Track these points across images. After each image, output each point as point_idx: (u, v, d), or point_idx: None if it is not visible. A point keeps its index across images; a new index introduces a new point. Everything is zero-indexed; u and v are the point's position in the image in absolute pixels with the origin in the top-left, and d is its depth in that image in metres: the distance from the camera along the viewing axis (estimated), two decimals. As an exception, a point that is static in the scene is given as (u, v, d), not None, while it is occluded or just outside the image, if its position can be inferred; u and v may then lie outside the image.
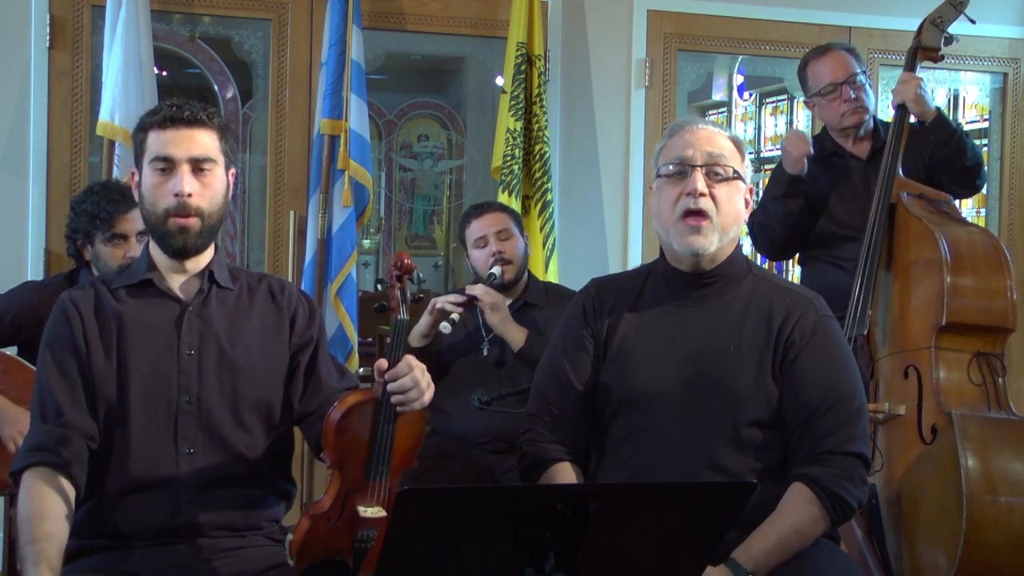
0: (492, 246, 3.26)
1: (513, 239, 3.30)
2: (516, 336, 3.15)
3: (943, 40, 3.28)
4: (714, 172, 2.13)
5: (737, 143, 2.19)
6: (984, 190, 5.17)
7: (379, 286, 2.18)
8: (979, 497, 2.66)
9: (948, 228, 2.97)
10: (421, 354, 3.16)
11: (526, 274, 3.38)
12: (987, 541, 2.66)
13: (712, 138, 2.16)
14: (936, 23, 3.27)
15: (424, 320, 3.18)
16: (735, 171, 2.15)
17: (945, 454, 2.75)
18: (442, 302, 3.14)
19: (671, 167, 2.16)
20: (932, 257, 2.92)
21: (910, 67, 3.30)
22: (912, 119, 3.29)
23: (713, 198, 2.12)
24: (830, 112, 3.39)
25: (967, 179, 3.31)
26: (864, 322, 3.02)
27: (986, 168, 3.39)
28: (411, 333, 3.20)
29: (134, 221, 3.01)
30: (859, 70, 3.35)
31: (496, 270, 3.23)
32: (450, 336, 3.22)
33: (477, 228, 3.31)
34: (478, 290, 3.16)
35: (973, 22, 3.33)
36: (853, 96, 3.33)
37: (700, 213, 2.11)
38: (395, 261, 2.12)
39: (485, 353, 3.25)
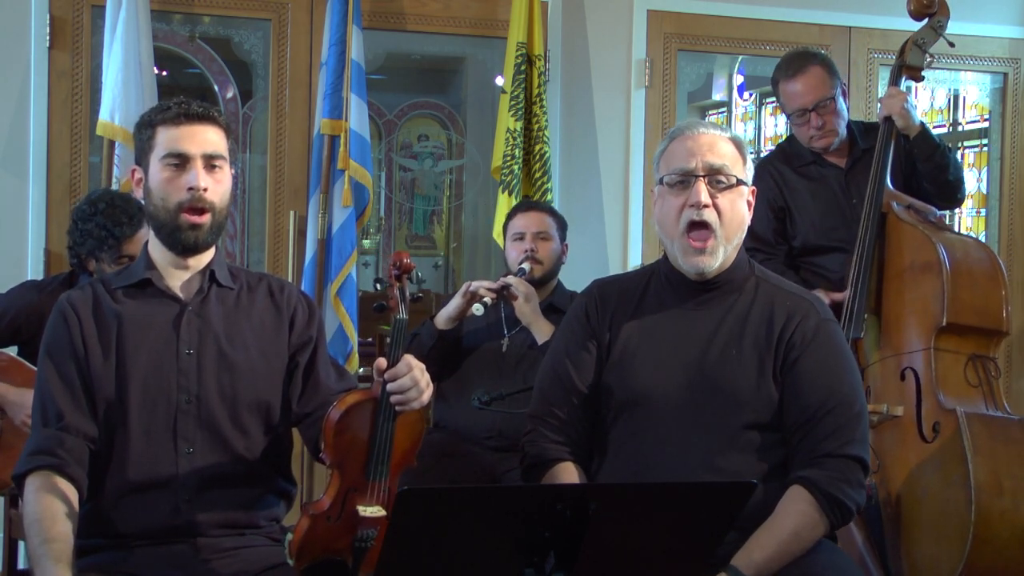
0: (527, 243, 3.34)
1: (550, 242, 3.37)
2: (544, 328, 3.20)
3: (925, 60, 3.34)
4: (716, 181, 2.13)
5: (739, 145, 2.19)
6: (984, 190, 5.20)
7: (378, 285, 2.17)
8: (987, 491, 2.70)
9: (943, 234, 3.04)
10: (446, 339, 3.22)
11: (556, 280, 3.43)
12: (995, 535, 2.69)
13: (713, 145, 2.15)
14: (919, 44, 3.33)
15: (455, 302, 3.23)
16: (737, 179, 2.15)
17: (949, 450, 2.78)
18: (476, 285, 3.21)
19: (674, 177, 2.15)
20: (929, 260, 2.96)
21: (894, 82, 3.34)
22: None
23: (716, 207, 2.12)
24: (799, 133, 3.40)
25: (949, 192, 3.35)
26: (860, 325, 3.06)
27: (965, 183, 3.45)
28: (439, 316, 3.25)
29: (140, 241, 3.00)
30: (829, 94, 3.30)
31: (526, 266, 3.29)
32: (470, 324, 3.28)
33: (519, 223, 3.40)
34: (512, 279, 3.23)
35: (952, 45, 3.44)
36: (820, 124, 3.31)
37: (704, 226, 2.12)
38: (394, 260, 2.12)
39: (504, 348, 3.28)
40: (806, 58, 3.36)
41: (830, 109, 3.31)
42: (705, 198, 2.11)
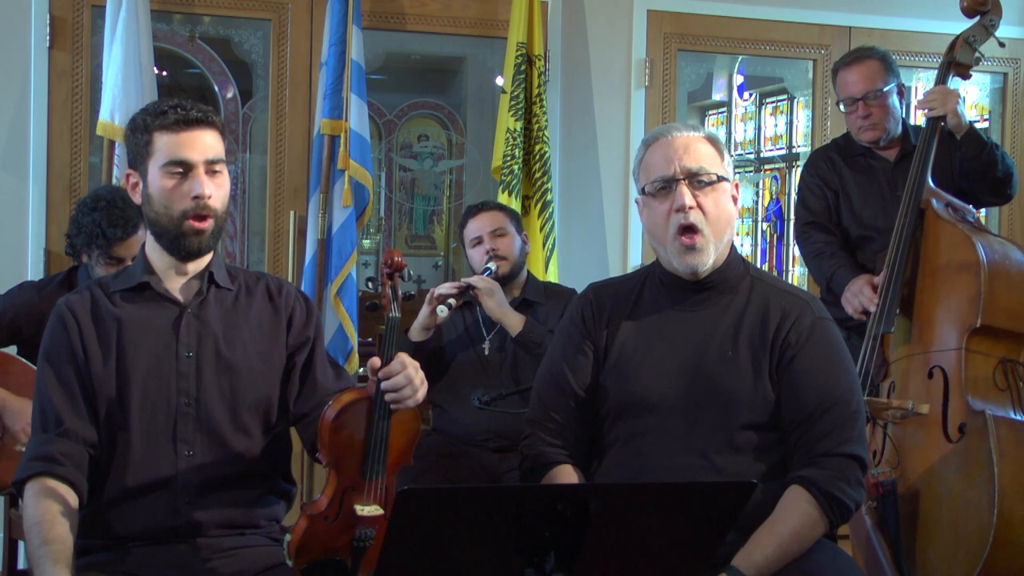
0: (487, 244, 3.32)
1: (508, 237, 3.34)
2: (513, 321, 3.18)
3: (975, 58, 3.35)
4: (697, 181, 2.13)
5: (714, 142, 2.19)
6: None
7: (370, 284, 2.18)
8: (1010, 495, 2.70)
9: (982, 235, 3.04)
10: (423, 350, 3.19)
11: (526, 273, 3.41)
12: (1015, 539, 2.70)
13: (689, 146, 2.15)
14: (969, 41, 3.33)
15: (423, 312, 3.21)
16: (718, 176, 2.15)
17: (974, 451, 2.78)
18: (439, 289, 3.19)
19: (655, 185, 2.16)
20: (968, 260, 2.95)
21: (942, 80, 3.34)
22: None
23: (701, 207, 2.13)
24: (848, 122, 3.46)
25: (1000, 188, 3.39)
26: (891, 321, 3.05)
27: (1017, 177, 3.44)
28: (412, 328, 3.23)
29: (132, 247, 3.00)
30: (882, 87, 3.35)
31: (492, 265, 3.27)
32: (449, 333, 3.27)
33: (473, 228, 3.37)
34: (474, 278, 3.21)
35: (1002, 45, 3.46)
36: (866, 114, 3.36)
37: (692, 228, 2.12)
38: (386, 259, 2.13)
39: (487, 352, 3.27)
40: (866, 51, 3.45)
41: (879, 102, 3.36)
42: (689, 200, 2.11)
